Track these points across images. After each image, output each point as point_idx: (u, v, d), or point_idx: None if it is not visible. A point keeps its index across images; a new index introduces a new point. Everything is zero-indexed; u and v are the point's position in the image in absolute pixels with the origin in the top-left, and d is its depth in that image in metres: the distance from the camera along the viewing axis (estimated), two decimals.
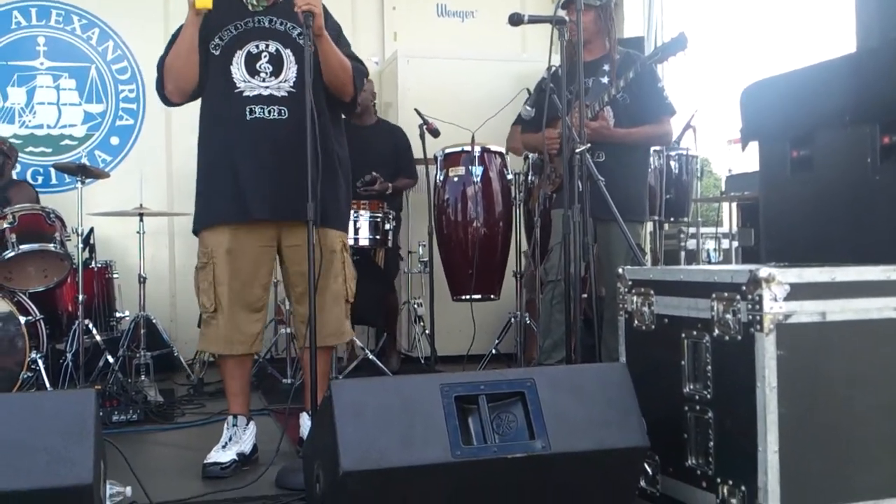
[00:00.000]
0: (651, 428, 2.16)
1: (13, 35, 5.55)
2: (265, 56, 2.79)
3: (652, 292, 2.34)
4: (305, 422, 2.96)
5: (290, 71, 2.79)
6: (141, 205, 4.66)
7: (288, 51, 2.80)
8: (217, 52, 2.79)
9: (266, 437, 3.01)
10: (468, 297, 4.08)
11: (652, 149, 3.93)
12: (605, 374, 2.26)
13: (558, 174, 3.54)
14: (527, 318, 4.24)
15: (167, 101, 2.90)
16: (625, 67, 3.47)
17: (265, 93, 2.77)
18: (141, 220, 4.68)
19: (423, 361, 4.81)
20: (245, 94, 2.77)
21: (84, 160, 5.28)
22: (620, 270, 2.49)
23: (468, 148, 4.11)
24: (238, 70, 2.78)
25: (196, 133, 5.36)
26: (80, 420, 1.89)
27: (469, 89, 5.25)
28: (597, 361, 2.90)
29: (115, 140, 5.71)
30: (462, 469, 2.01)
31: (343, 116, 3.11)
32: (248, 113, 2.76)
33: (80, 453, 1.84)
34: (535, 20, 3.15)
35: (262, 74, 2.78)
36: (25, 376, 3.78)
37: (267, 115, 2.77)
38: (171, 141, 5.75)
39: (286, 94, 2.78)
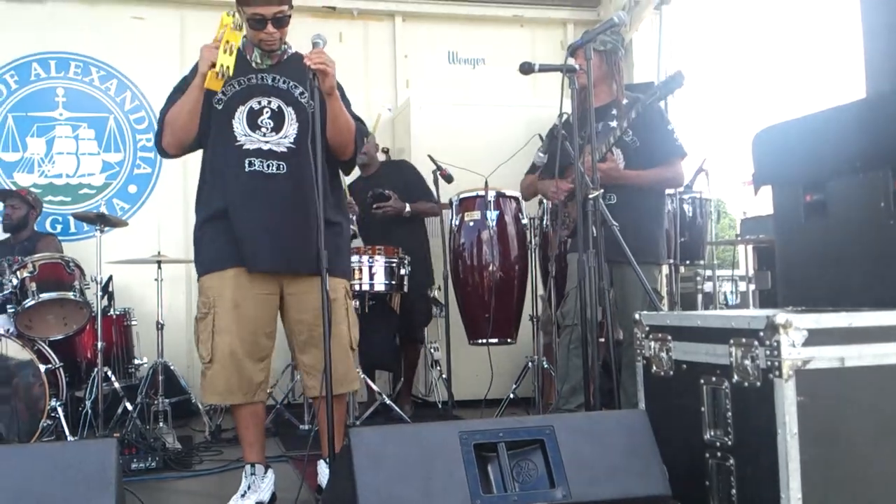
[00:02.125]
0: (672, 475, 2.15)
1: (33, 86, 5.67)
2: (267, 112, 2.85)
3: (669, 338, 2.34)
4: (323, 469, 2.95)
5: (291, 128, 2.85)
6: (159, 252, 4.72)
7: (290, 109, 2.86)
8: (220, 107, 2.85)
9: (285, 485, 3.01)
10: (485, 340, 4.08)
11: (666, 191, 3.94)
12: (625, 421, 2.26)
13: (572, 219, 3.57)
14: (544, 363, 4.23)
15: (164, 153, 2.95)
16: (629, 110, 3.51)
17: (265, 147, 2.83)
18: (159, 267, 4.73)
19: (440, 406, 4.79)
20: (245, 146, 2.82)
21: (103, 209, 5.36)
22: (637, 316, 2.49)
23: (482, 192, 4.14)
24: (239, 124, 2.83)
25: None
26: (102, 470, 1.91)
27: (481, 135, 5.31)
28: (615, 407, 2.88)
29: (132, 188, 5.79)
30: None
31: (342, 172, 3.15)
32: (246, 165, 2.81)
33: (100, 502, 1.85)
34: (545, 69, 3.20)
35: (263, 129, 2.84)
36: (45, 424, 3.79)
37: (265, 168, 2.82)
38: (187, 188, 5.80)
39: (286, 149, 2.83)
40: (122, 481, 2.10)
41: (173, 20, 5.85)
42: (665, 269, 4.50)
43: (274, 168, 2.82)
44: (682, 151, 3.69)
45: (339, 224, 2.98)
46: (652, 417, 2.25)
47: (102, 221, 4.39)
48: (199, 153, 3.00)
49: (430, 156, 4.53)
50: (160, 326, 4.68)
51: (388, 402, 4.38)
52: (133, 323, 4.84)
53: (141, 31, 5.79)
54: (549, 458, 2.13)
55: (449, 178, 4.45)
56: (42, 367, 3.86)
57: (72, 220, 5.56)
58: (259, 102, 2.86)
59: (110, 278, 4.87)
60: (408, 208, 4.63)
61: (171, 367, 4.83)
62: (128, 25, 5.77)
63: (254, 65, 2.90)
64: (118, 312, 4.76)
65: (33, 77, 5.67)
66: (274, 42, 2.85)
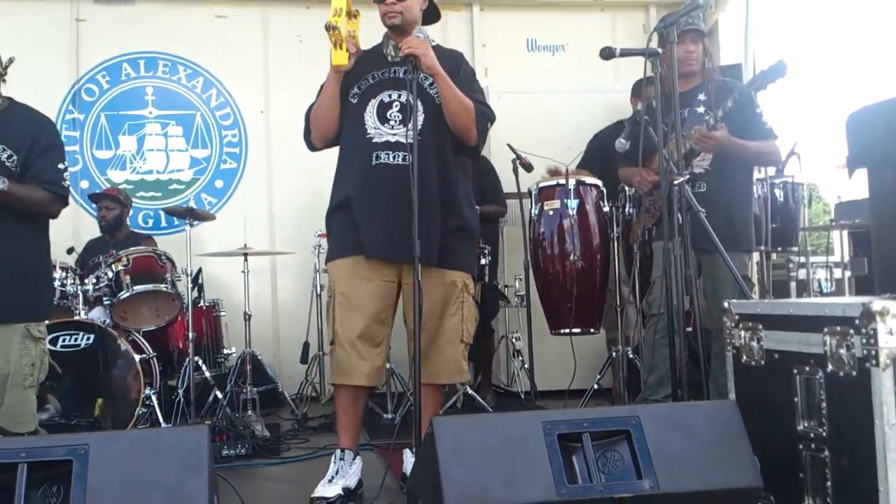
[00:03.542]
0: (764, 467, 2.08)
1: (124, 86, 5.87)
2: (396, 105, 2.91)
3: (760, 327, 2.27)
4: (409, 458, 2.98)
5: (419, 119, 2.86)
6: (245, 244, 4.83)
7: (419, 101, 2.87)
8: (354, 101, 2.94)
9: (369, 472, 3.04)
10: (567, 330, 4.03)
11: (755, 177, 3.82)
12: (714, 412, 2.20)
13: (657, 206, 3.49)
14: (629, 353, 4.16)
15: (311, 147, 3.08)
16: (722, 96, 3.40)
17: (392, 139, 2.89)
18: (245, 259, 4.85)
19: (522, 396, 4.77)
20: (374, 140, 2.90)
21: (191, 203, 5.49)
22: (727, 304, 2.43)
23: (563, 181, 4.09)
24: (370, 117, 2.91)
25: (296, 174, 5.57)
26: (195, 455, 1.95)
27: (562, 122, 5.26)
28: (704, 398, 2.81)
29: (219, 183, 5.94)
30: None
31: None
32: (373, 158, 2.88)
33: (195, 488, 1.90)
34: (627, 53, 3.13)
35: (392, 122, 2.90)
36: (140, 412, 3.94)
37: (391, 160, 2.87)
38: (271, 182, 5.95)
39: (412, 140, 2.84)
40: (215, 467, 2.15)
41: (255, 18, 5.97)
42: (756, 257, 4.37)
43: (400, 159, 2.86)
44: (773, 134, 3.57)
45: (463, 216, 2.99)
46: (742, 408, 2.18)
47: (191, 215, 4.52)
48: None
49: (509, 145, 4.50)
50: (247, 317, 4.80)
51: (469, 391, 4.39)
52: (222, 314, 4.98)
53: (224, 29, 5.93)
54: (635, 449, 2.09)
55: (528, 167, 4.42)
56: (137, 357, 4.01)
57: (162, 214, 5.75)
58: (389, 95, 2.92)
59: (200, 270, 5.01)
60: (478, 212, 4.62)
61: (259, 357, 4.95)
62: (212, 24, 5.91)
63: (388, 58, 2.98)
64: (208, 304, 4.91)
65: (123, 77, 5.87)
66: (395, 15, 2.91)
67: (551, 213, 4.12)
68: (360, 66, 2.90)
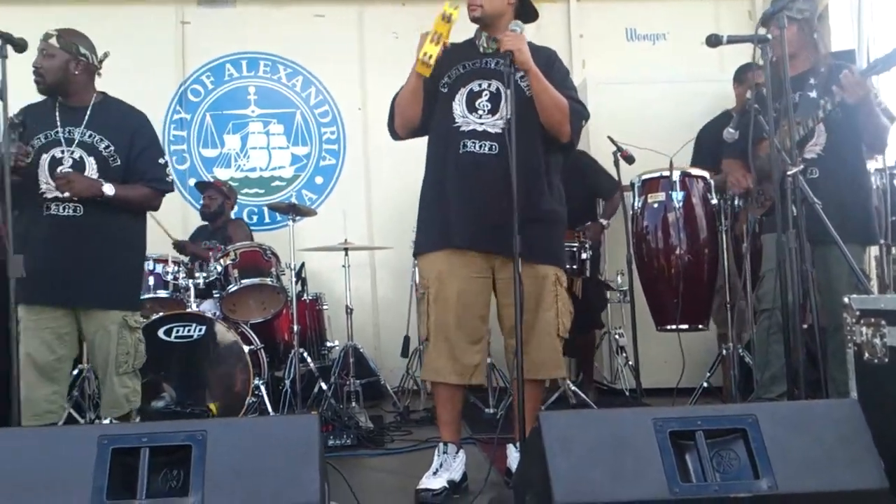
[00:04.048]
0: (889, 468, 1.98)
1: (227, 86, 6.06)
2: (486, 94, 2.90)
3: (883, 323, 2.17)
4: (513, 453, 2.96)
5: (507, 109, 2.85)
6: (346, 240, 4.91)
7: (509, 91, 2.85)
8: (445, 90, 2.95)
9: (473, 467, 3.04)
10: (674, 327, 3.93)
11: (873, 167, 3.63)
12: (835, 411, 2.10)
13: (768, 196, 3.36)
14: (740, 350, 4.02)
15: (394, 136, 3.10)
16: (834, 80, 3.24)
17: (479, 128, 2.87)
18: (346, 254, 4.93)
19: (627, 394, 4.69)
20: (461, 128, 2.89)
21: (293, 199, 5.64)
22: (846, 300, 2.32)
23: (667, 173, 3.99)
24: (459, 106, 2.91)
25: (393, 170, 5.63)
26: (307, 444, 1.98)
27: (664, 113, 5.12)
28: (822, 396, 2.69)
29: (319, 179, 6.06)
30: None
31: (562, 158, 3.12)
32: (461, 147, 2.87)
33: (306, 474, 1.93)
34: (734, 40, 3.02)
35: (480, 111, 2.89)
36: (250, 402, 4.06)
37: (478, 149, 2.86)
38: (369, 178, 6.03)
39: (500, 130, 2.84)
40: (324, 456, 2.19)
41: (352, 15, 6.07)
42: (874, 251, 4.15)
43: (486, 149, 2.85)
44: (891, 114, 3.39)
45: (553, 210, 2.97)
46: (864, 407, 2.08)
47: (294, 211, 4.61)
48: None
49: (609, 137, 4.42)
50: (349, 311, 4.88)
51: (573, 387, 4.34)
52: (324, 307, 5.08)
53: (322, 28, 6.04)
54: (752, 448, 2.01)
55: (630, 160, 4.33)
56: (245, 348, 4.12)
57: (266, 210, 5.91)
58: (479, 85, 2.92)
59: (303, 265, 5.13)
60: (605, 224, 4.55)
61: (361, 350, 5.03)
62: (310, 23, 6.03)
63: (480, 49, 2.98)
64: (311, 297, 5.01)
65: (227, 77, 6.06)
66: (476, 7, 2.90)
67: (655, 205, 4.02)
68: (451, 56, 2.90)
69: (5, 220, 2.63)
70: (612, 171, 4.40)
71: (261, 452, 1.95)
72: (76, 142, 3.05)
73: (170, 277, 4.36)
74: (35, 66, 2.97)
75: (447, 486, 2.80)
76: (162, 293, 4.36)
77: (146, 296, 4.34)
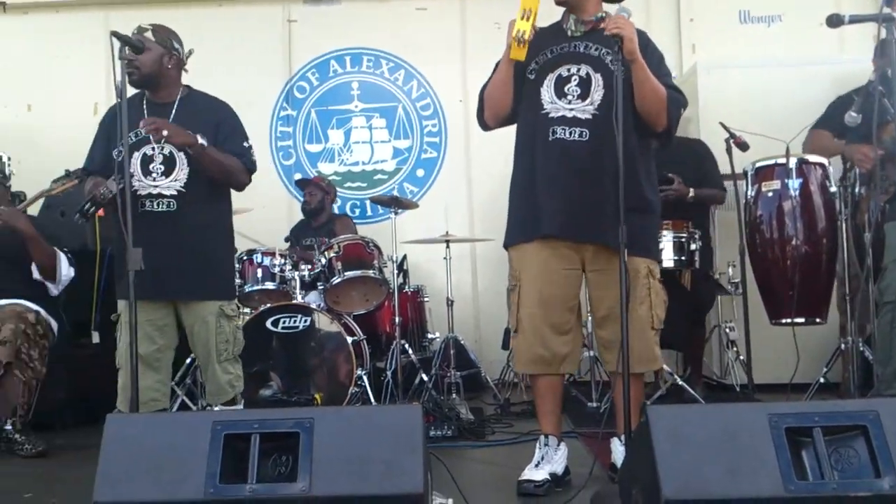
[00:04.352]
0: None
1: (331, 82, 6.17)
2: (575, 79, 2.81)
3: None
4: (617, 447, 2.90)
5: (597, 94, 2.78)
6: (447, 232, 4.92)
7: (598, 75, 2.79)
8: (532, 77, 2.87)
9: (576, 460, 2.99)
10: (789, 320, 3.75)
11: None
12: None
13: (892, 182, 3.17)
14: (860, 344, 3.81)
15: (484, 126, 3.04)
16: None
17: (569, 115, 2.79)
18: (447, 246, 4.93)
19: (738, 389, 4.52)
20: (550, 115, 2.81)
21: (395, 192, 5.70)
22: None
23: (782, 160, 3.81)
24: (547, 92, 2.83)
25: (494, 161, 5.60)
26: (411, 433, 1.98)
27: (779, 98, 4.89)
28: None
29: (420, 172, 6.10)
30: None
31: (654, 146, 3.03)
32: (550, 134, 2.80)
33: (411, 463, 1.92)
34: (857, 20, 2.86)
35: (569, 97, 2.80)
36: (353, 391, 4.11)
37: (568, 136, 2.78)
38: (470, 170, 6.03)
39: (590, 116, 2.77)
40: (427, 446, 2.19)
41: (454, 7, 6.08)
42: None
43: (576, 135, 2.78)
44: None
45: (647, 199, 2.87)
46: None
47: (396, 204, 4.66)
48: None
49: (721, 123, 4.27)
50: (450, 303, 4.89)
51: (680, 382, 4.21)
52: (425, 299, 5.10)
53: (424, 21, 6.08)
54: (873, 446, 1.90)
55: (743, 146, 4.16)
56: (349, 339, 4.18)
57: (368, 204, 6.00)
58: (568, 70, 2.83)
59: (405, 257, 5.17)
60: (691, 193, 4.39)
61: (462, 342, 5.03)
62: (412, 16, 6.08)
63: (568, 33, 2.89)
64: (412, 289, 5.04)
65: (331, 73, 6.17)
66: None
67: (770, 194, 3.85)
68: (538, 42, 2.79)
69: (124, 218, 2.71)
70: (725, 158, 4.24)
71: (366, 440, 1.96)
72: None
73: (277, 270, 4.47)
74: (129, 59, 3.04)
75: (549, 478, 2.76)
76: (269, 285, 4.47)
77: (254, 287, 4.48)
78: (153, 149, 3.11)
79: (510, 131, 3.06)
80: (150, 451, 1.95)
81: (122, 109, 2.78)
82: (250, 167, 3.24)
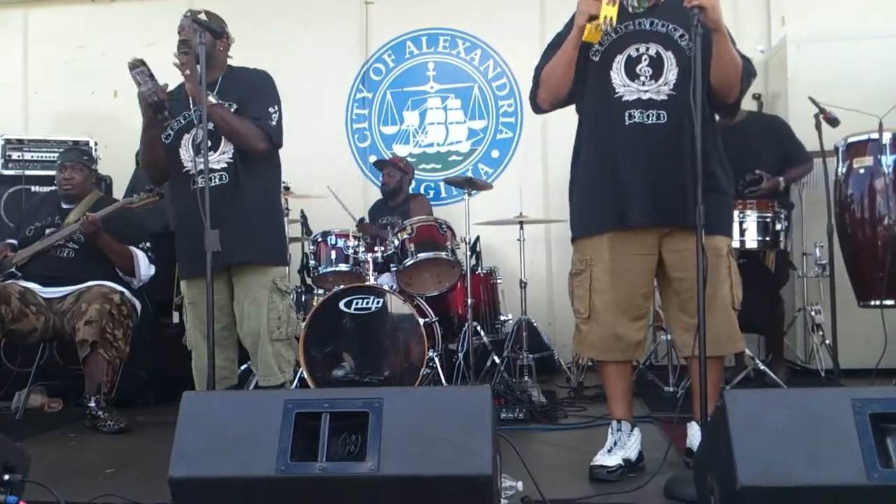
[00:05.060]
0: None
1: (407, 63, 6.16)
2: (645, 59, 2.72)
3: None
4: (694, 432, 2.83)
5: (671, 74, 2.69)
6: (521, 213, 4.87)
7: (669, 53, 2.69)
8: (596, 59, 2.77)
9: (650, 445, 2.93)
10: (878, 302, 3.58)
11: None
12: None
13: None
14: None
15: (537, 109, 2.96)
16: None
17: (644, 97, 2.70)
18: (521, 227, 4.89)
19: (822, 374, 4.35)
20: (624, 98, 2.72)
21: (469, 173, 5.67)
22: None
23: (875, 135, 3.62)
24: (617, 75, 2.73)
25: (570, 142, 5.50)
26: (479, 414, 1.96)
27: (872, 71, 4.67)
28: None
29: (495, 153, 6.05)
30: (880, 494, 1.78)
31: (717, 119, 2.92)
32: (626, 118, 2.71)
33: (479, 445, 1.91)
34: None
35: (642, 78, 2.71)
36: (424, 372, 4.12)
37: (645, 119, 2.69)
38: (546, 151, 5.95)
39: (665, 97, 2.68)
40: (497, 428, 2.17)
41: None
42: None
43: (654, 118, 2.68)
44: None
45: (720, 177, 2.78)
46: None
47: (470, 185, 4.63)
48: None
49: (810, 98, 4.10)
50: (523, 285, 4.85)
51: (761, 367, 4.08)
52: (498, 281, 5.06)
53: (502, 1, 5.98)
54: None
55: (834, 122, 3.99)
56: (421, 321, 4.19)
57: (442, 185, 5.99)
58: (637, 50, 2.73)
59: (478, 239, 5.15)
60: (782, 183, 4.23)
61: (534, 324, 4.99)
62: None
63: (630, 10, 2.78)
64: (485, 271, 5.01)
65: (407, 55, 6.16)
66: None
67: (862, 171, 3.66)
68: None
69: (202, 201, 2.75)
70: (814, 134, 4.06)
71: (434, 421, 1.95)
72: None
73: (350, 251, 4.51)
74: (183, 40, 3.05)
75: (623, 463, 2.71)
76: (343, 266, 4.52)
77: (328, 269, 4.53)
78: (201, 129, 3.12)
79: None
80: (224, 428, 1.99)
81: (203, 93, 2.82)
82: (268, 131, 3.17)
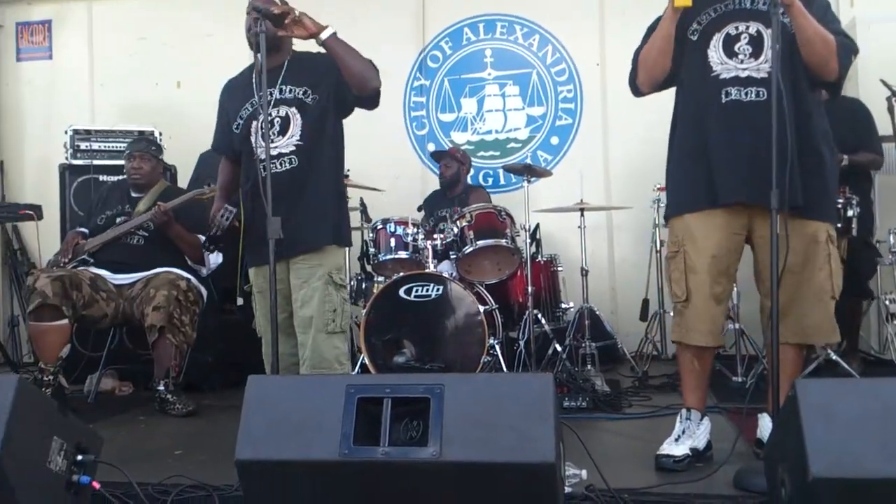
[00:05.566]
0: None
1: (465, 50, 6.13)
2: (745, 38, 2.68)
3: None
4: (765, 423, 2.76)
5: (770, 51, 2.62)
6: (581, 200, 4.81)
7: (769, 31, 2.63)
8: (695, 38, 2.75)
9: (718, 436, 2.87)
10: None
11: None
12: None
13: None
14: None
15: (637, 91, 2.93)
16: None
17: (742, 74, 2.66)
18: (581, 214, 4.84)
19: None
20: (721, 76, 2.69)
21: (528, 161, 5.62)
22: None
23: None
24: (715, 53, 2.71)
25: (633, 127, 5.44)
26: (542, 401, 1.94)
27: None
28: None
29: (554, 140, 5.98)
30: None
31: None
32: (723, 96, 2.67)
33: (542, 432, 1.89)
34: None
35: (741, 56, 2.67)
36: (485, 360, 4.10)
37: (743, 97, 2.65)
38: (607, 136, 5.86)
39: (766, 75, 2.61)
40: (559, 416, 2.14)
41: None
42: None
43: (752, 95, 2.64)
44: None
45: (824, 159, 2.70)
46: None
47: (529, 172, 4.59)
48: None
49: (882, 80, 3.96)
50: (584, 272, 4.80)
51: (833, 357, 3.96)
52: (559, 269, 5.01)
53: None
54: None
55: None
56: (480, 308, 4.17)
57: (501, 172, 5.95)
58: (736, 28, 2.70)
59: (537, 226, 5.11)
60: (844, 161, 4.08)
61: (597, 312, 4.94)
62: None
63: None
64: (545, 258, 4.97)
65: (464, 41, 6.12)
66: None
67: None
68: (697, 1, 2.67)
69: (264, 189, 2.77)
70: (885, 117, 3.92)
71: (496, 408, 1.94)
72: (275, 101, 3.11)
73: (409, 239, 4.51)
74: (249, 27, 3.06)
75: (690, 453, 2.67)
76: (402, 254, 4.53)
77: (387, 256, 4.55)
78: (269, 114, 3.11)
79: (652, 96, 2.95)
80: (288, 411, 2.01)
81: (263, 83, 2.83)
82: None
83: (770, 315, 2.42)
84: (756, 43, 2.65)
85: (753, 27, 2.66)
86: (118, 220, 4.24)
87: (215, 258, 4.17)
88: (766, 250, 2.63)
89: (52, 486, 2.15)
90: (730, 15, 2.71)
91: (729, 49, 2.68)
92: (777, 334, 2.39)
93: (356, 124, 3.26)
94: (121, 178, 4.60)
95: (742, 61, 2.66)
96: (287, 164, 3.10)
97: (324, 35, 2.97)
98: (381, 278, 4.58)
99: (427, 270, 4.34)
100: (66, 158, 5.37)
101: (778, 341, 2.39)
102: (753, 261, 2.80)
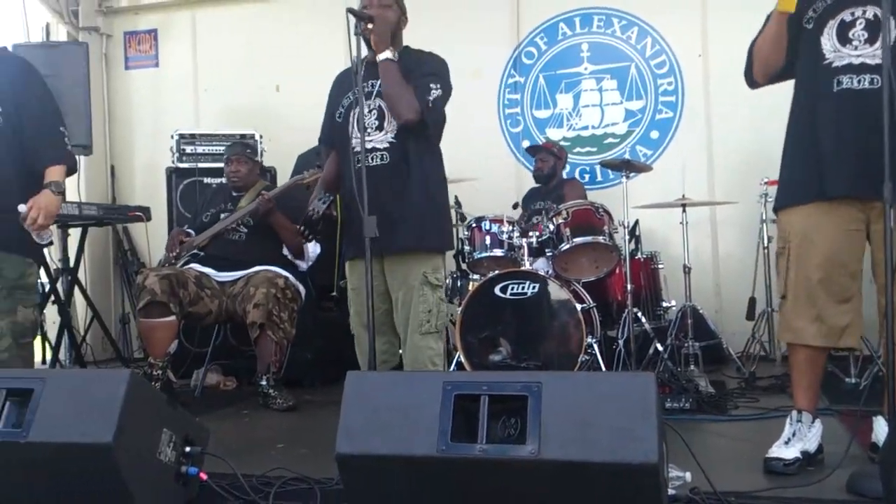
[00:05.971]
0: None
1: (560, 45, 6.04)
2: (861, 23, 2.56)
3: None
4: (881, 426, 2.61)
5: (890, 36, 2.49)
6: (683, 195, 4.68)
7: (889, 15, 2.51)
8: (810, 26, 2.66)
9: (831, 439, 2.74)
10: None
11: None
12: None
13: None
14: None
15: (752, 83, 2.86)
16: None
17: (856, 62, 2.55)
18: (683, 210, 4.70)
19: None
20: (833, 64, 2.59)
21: (626, 156, 5.50)
22: None
23: None
24: (828, 40, 2.61)
25: (737, 119, 5.25)
26: (644, 401, 1.89)
27: None
28: None
29: (654, 134, 5.84)
30: None
31: None
32: (835, 84, 2.57)
33: (645, 432, 1.83)
34: None
35: (855, 42, 2.56)
36: (583, 359, 4.03)
37: (856, 84, 2.54)
38: (710, 129, 5.68)
39: (881, 61, 2.48)
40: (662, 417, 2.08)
41: None
42: None
43: (866, 83, 2.53)
44: None
45: None
46: None
47: (627, 168, 4.50)
48: None
49: None
50: (687, 270, 4.66)
51: None
52: (660, 266, 4.89)
53: None
54: None
55: None
56: (578, 307, 4.10)
57: (598, 168, 5.84)
58: (852, 14, 2.59)
59: (637, 222, 4.99)
60: None
61: (700, 311, 4.78)
62: None
63: None
64: (645, 256, 4.85)
65: (560, 36, 6.04)
66: None
67: None
68: None
69: (359, 187, 2.78)
70: None
71: (596, 407, 1.90)
72: (374, 94, 3.10)
73: (504, 237, 4.48)
74: (370, 16, 3.06)
75: (801, 456, 2.57)
76: (497, 252, 4.50)
77: (482, 254, 4.53)
78: (367, 105, 3.10)
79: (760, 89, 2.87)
80: (386, 407, 2.02)
81: (359, 83, 2.85)
82: (421, 104, 3.01)
83: (885, 314, 2.28)
84: (873, 28, 2.52)
85: (871, 11, 2.54)
86: (222, 216, 4.42)
87: (314, 248, 4.26)
88: (880, 245, 2.50)
89: (162, 477, 2.23)
90: (845, 1, 2.60)
91: (843, 36, 2.58)
92: (893, 334, 2.26)
93: (450, 123, 3.24)
94: (223, 180, 4.76)
95: (856, 48, 2.55)
96: (379, 159, 3.08)
97: (380, 56, 3.01)
98: (476, 276, 4.57)
99: (523, 268, 4.30)
100: (173, 162, 5.58)
101: (894, 341, 2.25)
102: (871, 257, 2.66)
